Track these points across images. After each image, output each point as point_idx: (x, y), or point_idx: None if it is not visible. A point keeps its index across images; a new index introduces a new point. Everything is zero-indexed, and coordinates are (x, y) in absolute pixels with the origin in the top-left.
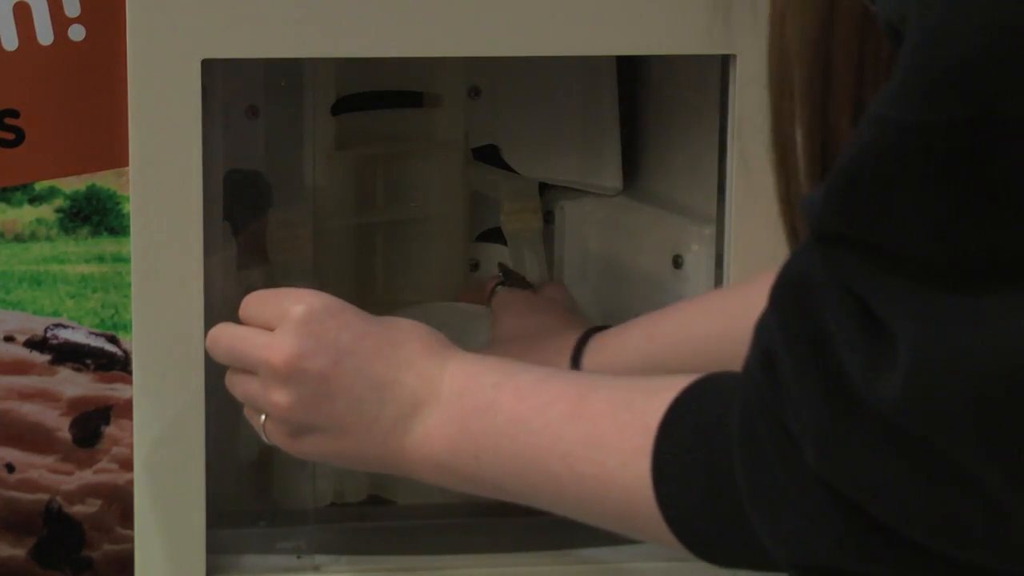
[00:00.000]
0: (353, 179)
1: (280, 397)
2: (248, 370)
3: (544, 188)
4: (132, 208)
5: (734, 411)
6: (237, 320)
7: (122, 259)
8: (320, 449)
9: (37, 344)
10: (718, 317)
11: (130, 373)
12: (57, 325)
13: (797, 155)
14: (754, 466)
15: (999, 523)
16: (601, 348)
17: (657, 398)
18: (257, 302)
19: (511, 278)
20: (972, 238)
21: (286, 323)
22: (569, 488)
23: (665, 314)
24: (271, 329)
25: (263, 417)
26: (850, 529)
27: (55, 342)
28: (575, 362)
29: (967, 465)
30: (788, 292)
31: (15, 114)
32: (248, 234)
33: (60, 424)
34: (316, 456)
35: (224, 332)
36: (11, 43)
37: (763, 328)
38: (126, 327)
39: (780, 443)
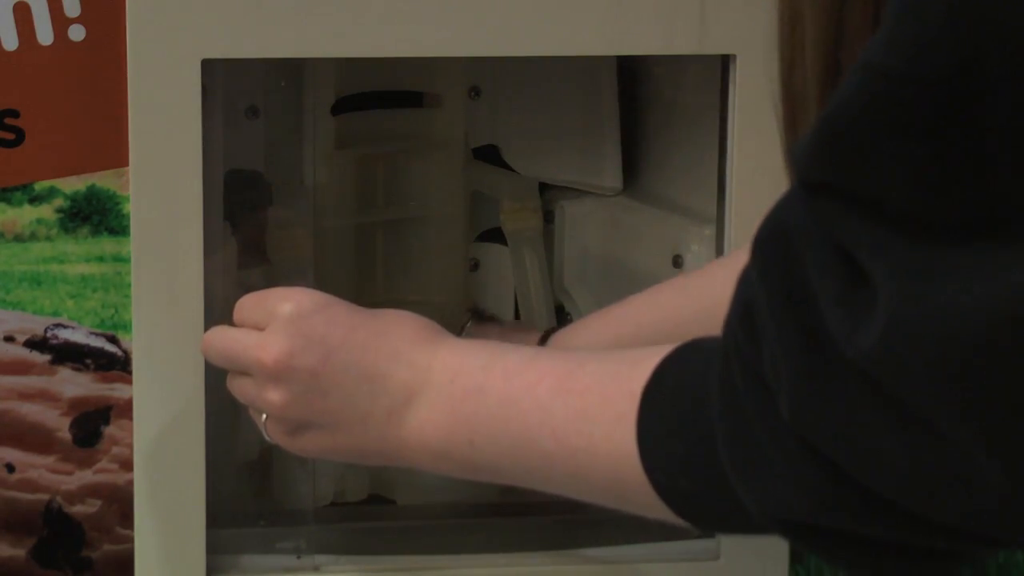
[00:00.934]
0: (353, 179)
1: (274, 396)
2: (243, 372)
3: (544, 188)
4: (132, 208)
5: (714, 366)
6: (230, 320)
7: (122, 259)
8: (318, 445)
9: (37, 344)
10: (672, 303)
11: (130, 373)
12: (57, 325)
13: (807, 112)
14: (733, 420)
15: (970, 482)
16: (559, 343)
17: (641, 366)
18: (248, 304)
19: (482, 316)
20: (956, 189)
21: (275, 322)
22: (560, 464)
23: (620, 305)
24: (262, 329)
25: (264, 417)
26: (825, 485)
27: (55, 342)
28: None
29: (940, 422)
30: (770, 243)
31: (15, 114)
32: (248, 234)
33: (60, 424)
34: (315, 452)
35: (217, 336)
36: (11, 43)
37: (744, 281)
38: (126, 327)
39: (758, 397)
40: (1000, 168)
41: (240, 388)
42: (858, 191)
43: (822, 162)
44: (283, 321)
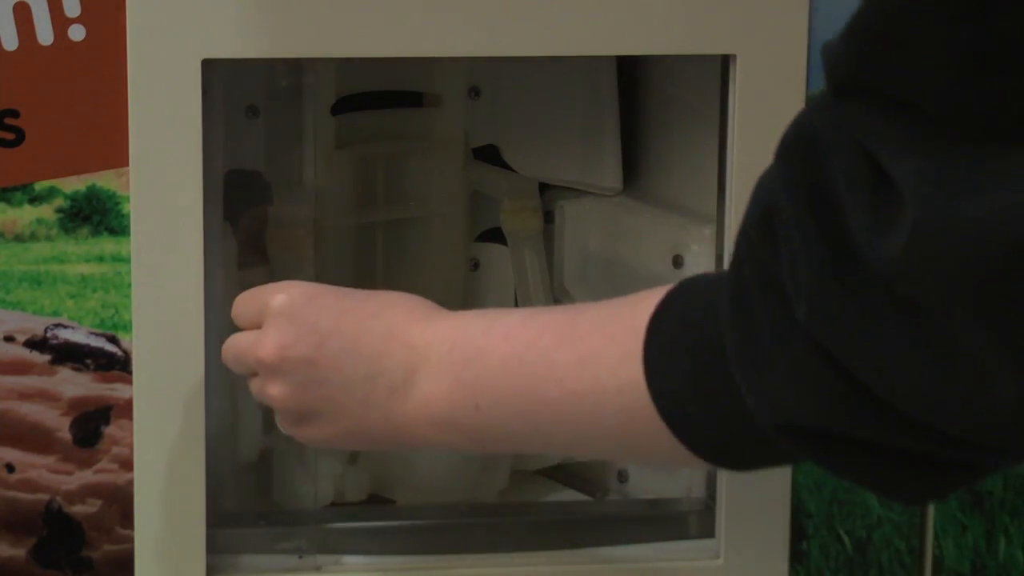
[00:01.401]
0: (353, 179)
1: (275, 390)
2: (252, 371)
3: (544, 188)
4: (132, 208)
5: (724, 281)
6: (231, 320)
7: (122, 259)
8: (325, 434)
9: (37, 344)
10: None
11: (130, 373)
12: (57, 325)
13: None
14: (743, 325)
15: (982, 391)
16: None
17: (644, 303)
18: (242, 303)
19: None
20: (987, 88)
21: (268, 317)
22: (568, 413)
23: None
24: (259, 326)
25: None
26: (834, 389)
27: (55, 342)
28: None
29: (958, 331)
30: (797, 146)
31: (15, 114)
32: (248, 234)
33: (60, 424)
34: (325, 442)
35: (227, 342)
36: (11, 43)
37: (763, 187)
38: (126, 327)
39: (771, 301)
40: None
41: (252, 387)
42: (890, 88)
43: (854, 58)
44: (275, 315)
